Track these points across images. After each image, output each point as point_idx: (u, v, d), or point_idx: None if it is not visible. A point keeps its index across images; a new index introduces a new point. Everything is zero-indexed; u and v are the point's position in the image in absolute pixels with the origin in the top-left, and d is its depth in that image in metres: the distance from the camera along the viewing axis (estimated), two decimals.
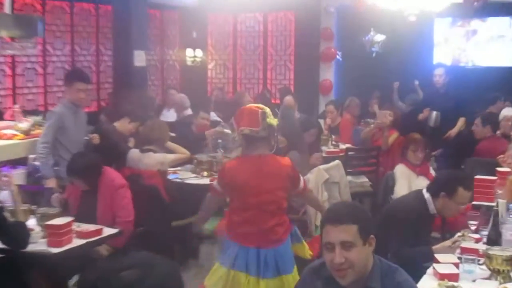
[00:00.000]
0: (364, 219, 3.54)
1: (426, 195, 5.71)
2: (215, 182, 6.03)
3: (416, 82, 13.25)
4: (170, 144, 8.47)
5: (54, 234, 5.61)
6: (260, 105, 5.76)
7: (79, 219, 6.08)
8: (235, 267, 5.55)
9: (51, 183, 7.51)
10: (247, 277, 5.52)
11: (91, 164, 6.58)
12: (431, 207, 5.67)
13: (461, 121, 11.17)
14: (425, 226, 5.71)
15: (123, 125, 8.80)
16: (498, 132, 9.59)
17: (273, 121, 5.66)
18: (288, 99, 11.53)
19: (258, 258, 5.54)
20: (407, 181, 7.95)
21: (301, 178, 5.92)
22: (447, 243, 5.40)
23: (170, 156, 8.33)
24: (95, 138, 8.10)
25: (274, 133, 5.70)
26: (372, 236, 3.54)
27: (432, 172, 8.19)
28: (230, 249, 5.64)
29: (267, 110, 5.65)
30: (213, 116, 11.35)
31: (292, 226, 5.87)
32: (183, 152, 8.51)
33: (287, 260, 5.65)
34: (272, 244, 5.58)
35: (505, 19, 13.79)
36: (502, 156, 7.46)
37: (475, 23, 14.19)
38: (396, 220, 5.61)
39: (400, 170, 8.12)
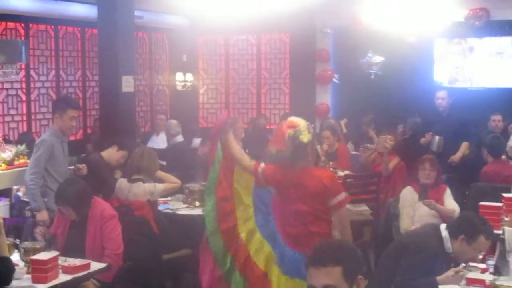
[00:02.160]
0: (350, 260, 3.46)
1: (444, 232, 5.49)
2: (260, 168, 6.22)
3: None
4: (160, 173, 8.27)
5: (39, 270, 5.50)
6: (295, 123, 6.02)
7: (67, 251, 6.06)
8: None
9: (43, 215, 7.35)
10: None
11: (81, 191, 6.44)
12: (448, 246, 5.44)
13: (464, 146, 10.91)
14: (438, 265, 5.45)
15: (110, 154, 8.58)
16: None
17: (305, 137, 5.92)
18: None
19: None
20: (411, 209, 7.73)
21: (341, 194, 6.03)
22: (450, 272, 5.28)
23: (160, 186, 8.11)
24: (83, 168, 7.97)
25: (304, 149, 5.98)
26: (360, 276, 3.47)
27: (447, 199, 7.74)
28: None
29: (300, 128, 5.95)
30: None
31: None
32: (174, 181, 8.30)
33: None
34: None
35: (507, 39, 13.49)
36: None
37: (472, 40, 14.06)
38: (409, 253, 5.46)
39: (404, 196, 7.88)
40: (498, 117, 11.87)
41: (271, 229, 6.14)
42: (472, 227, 5.39)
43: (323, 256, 3.44)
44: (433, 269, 5.37)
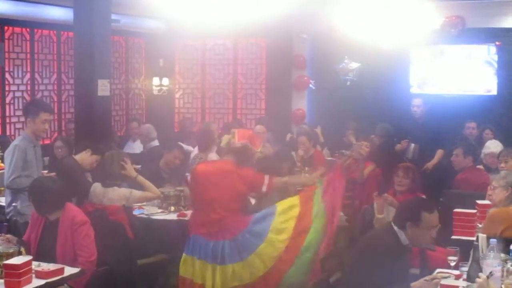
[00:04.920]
0: None
1: (395, 227, 5.53)
2: None
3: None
4: (141, 179, 8.03)
5: (12, 275, 5.44)
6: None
7: (40, 256, 6.01)
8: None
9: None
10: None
11: (54, 188, 6.48)
12: (403, 238, 5.49)
13: (439, 153, 11.12)
14: (401, 259, 5.50)
15: (83, 158, 8.50)
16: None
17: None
18: (259, 128, 11.32)
19: None
20: (385, 214, 7.78)
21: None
22: (425, 278, 5.31)
23: (137, 193, 7.93)
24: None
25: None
26: None
27: None
28: None
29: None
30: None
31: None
32: (153, 191, 8.07)
33: None
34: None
35: (482, 47, 13.53)
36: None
37: (446, 47, 14.06)
38: (369, 256, 5.45)
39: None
40: (472, 124, 11.96)
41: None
42: (411, 210, 5.51)
43: None
44: (397, 265, 5.37)
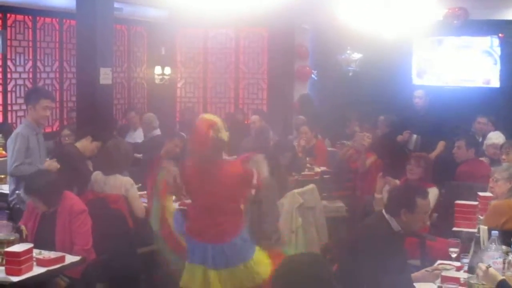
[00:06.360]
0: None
1: (387, 215, 5.53)
2: None
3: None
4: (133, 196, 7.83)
5: (13, 262, 5.44)
6: (213, 120, 6.11)
7: (37, 245, 5.92)
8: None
9: None
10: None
11: (51, 182, 6.40)
12: (394, 225, 5.49)
13: (440, 145, 11.07)
14: (396, 247, 5.51)
15: (84, 145, 8.53)
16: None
17: (225, 135, 6.07)
18: (254, 118, 11.40)
19: None
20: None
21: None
22: (426, 269, 5.36)
23: (135, 191, 7.82)
24: (52, 165, 7.73)
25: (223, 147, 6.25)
26: None
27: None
28: None
29: (218, 125, 6.05)
30: None
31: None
32: (140, 209, 7.81)
33: None
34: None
35: (485, 39, 13.51)
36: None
37: (448, 38, 14.12)
38: (363, 246, 5.41)
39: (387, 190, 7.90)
40: (483, 119, 11.52)
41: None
42: (406, 197, 5.48)
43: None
44: (392, 252, 5.37)
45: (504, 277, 4.62)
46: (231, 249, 6.12)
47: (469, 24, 13.38)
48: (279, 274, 3.58)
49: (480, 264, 4.75)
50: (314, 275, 3.51)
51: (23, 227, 6.25)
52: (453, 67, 13.96)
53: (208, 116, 6.22)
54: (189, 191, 6.38)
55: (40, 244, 6.00)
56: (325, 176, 9.81)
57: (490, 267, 4.65)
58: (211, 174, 6.11)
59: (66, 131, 10.03)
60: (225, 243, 6.10)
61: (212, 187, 6.09)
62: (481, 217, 6.68)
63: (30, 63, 12.71)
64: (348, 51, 13.87)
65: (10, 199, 7.66)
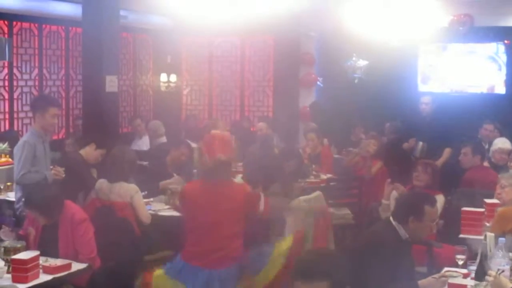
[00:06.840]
0: (338, 272, 3.47)
1: (394, 222, 5.50)
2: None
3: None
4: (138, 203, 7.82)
5: (20, 269, 5.46)
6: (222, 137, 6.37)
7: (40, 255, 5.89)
8: None
9: None
10: None
11: (50, 197, 6.37)
12: (402, 232, 5.45)
13: (447, 152, 11.01)
14: (403, 254, 5.46)
15: (88, 153, 8.52)
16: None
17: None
18: (261, 125, 11.28)
19: None
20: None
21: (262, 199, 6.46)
22: (433, 276, 5.36)
23: (141, 201, 7.81)
24: (59, 173, 7.72)
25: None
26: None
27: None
28: None
29: None
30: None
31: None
32: (145, 216, 7.79)
33: None
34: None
35: (490, 45, 13.52)
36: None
37: (454, 45, 14.16)
38: (370, 253, 5.35)
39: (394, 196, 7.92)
40: (490, 126, 11.49)
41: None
42: (415, 205, 5.46)
43: (311, 269, 3.40)
44: (399, 261, 5.34)
45: None
46: (226, 274, 6.12)
47: (475, 30, 13.38)
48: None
49: (490, 271, 4.74)
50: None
51: (30, 229, 6.32)
52: (458, 73, 13.99)
53: (217, 134, 6.36)
54: (193, 208, 6.32)
55: (43, 254, 5.96)
56: (331, 183, 9.75)
57: (501, 273, 4.65)
58: (218, 192, 6.15)
59: (69, 140, 10.08)
60: (223, 269, 6.11)
61: (217, 204, 6.12)
62: (488, 224, 6.69)
63: (36, 71, 12.74)
64: (353, 58, 13.85)
65: (16, 206, 7.65)
